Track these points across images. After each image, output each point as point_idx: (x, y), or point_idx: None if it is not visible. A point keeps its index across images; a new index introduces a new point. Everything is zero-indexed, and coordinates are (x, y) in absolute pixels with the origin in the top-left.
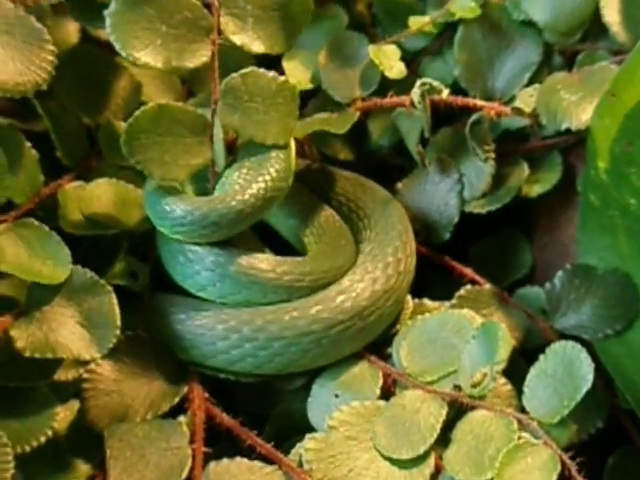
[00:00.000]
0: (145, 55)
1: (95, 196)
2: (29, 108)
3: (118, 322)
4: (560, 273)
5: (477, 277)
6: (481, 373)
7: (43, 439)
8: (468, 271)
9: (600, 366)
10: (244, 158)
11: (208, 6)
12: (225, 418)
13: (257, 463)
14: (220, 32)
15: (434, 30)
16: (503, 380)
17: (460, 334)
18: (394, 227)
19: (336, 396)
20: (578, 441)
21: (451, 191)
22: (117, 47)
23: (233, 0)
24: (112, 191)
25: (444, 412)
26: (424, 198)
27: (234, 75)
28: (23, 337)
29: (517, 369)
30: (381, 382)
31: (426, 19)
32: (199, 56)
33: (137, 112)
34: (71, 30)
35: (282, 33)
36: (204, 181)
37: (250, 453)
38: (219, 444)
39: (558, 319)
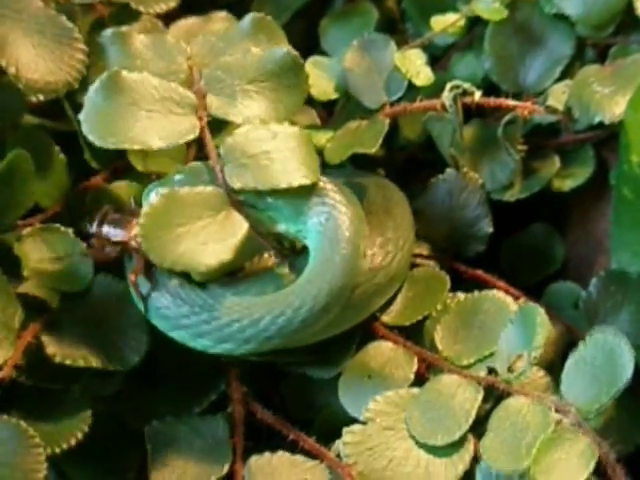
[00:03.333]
0: (121, 143)
1: (115, 196)
2: (59, 107)
3: (147, 330)
4: (594, 280)
5: (512, 289)
6: (518, 357)
7: (74, 441)
8: (502, 284)
9: None
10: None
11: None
12: (266, 414)
13: (299, 457)
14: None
15: (458, 30)
16: (542, 373)
17: (496, 317)
18: (389, 210)
19: (369, 377)
20: (626, 453)
21: (479, 206)
22: (92, 139)
23: (217, 79)
24: (132, 193)
25: (480, 397)
26: (449, 212)
27: (228, 138)
28: (54, 343)
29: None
30: (416, 367)
31: (450, 19)
32: (187, 133)
33: (145, 209)
34: None
35: (278, 104)
36: None
37: (291, 450)
38: (259, 443)
39: (597, 327)
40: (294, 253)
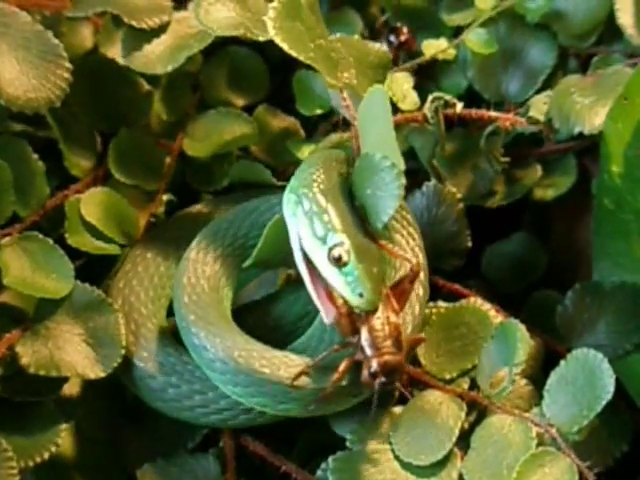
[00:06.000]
0: (306, 58)
1: (91, 203)
2: (41, 114)
3: (123, 342)
4: (570, 293)
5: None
6: (500, 374)
7: (47, 455)
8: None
9: (622, 386)
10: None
11: None
12: (258, 446)
13: None
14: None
15: (448, 57)
16: (524, 381)
17: (477, 329)
18: None
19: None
20: (604, 466)
21: (457, 221)
22: (283, 47)
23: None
24: (107, 200)
25: (462, 414)
26: (427, 226)
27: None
28: (28, 353)
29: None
30: None
31: (442, 45)
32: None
33: None
34: (86, 35)
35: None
36: None
37: None
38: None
39: (575, 341)
40: None
